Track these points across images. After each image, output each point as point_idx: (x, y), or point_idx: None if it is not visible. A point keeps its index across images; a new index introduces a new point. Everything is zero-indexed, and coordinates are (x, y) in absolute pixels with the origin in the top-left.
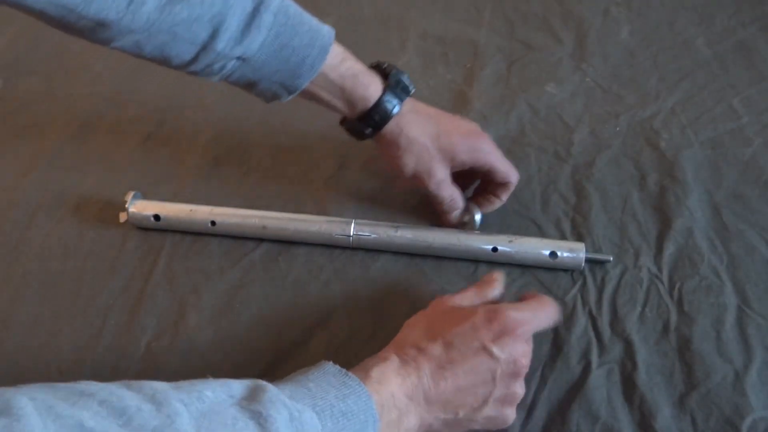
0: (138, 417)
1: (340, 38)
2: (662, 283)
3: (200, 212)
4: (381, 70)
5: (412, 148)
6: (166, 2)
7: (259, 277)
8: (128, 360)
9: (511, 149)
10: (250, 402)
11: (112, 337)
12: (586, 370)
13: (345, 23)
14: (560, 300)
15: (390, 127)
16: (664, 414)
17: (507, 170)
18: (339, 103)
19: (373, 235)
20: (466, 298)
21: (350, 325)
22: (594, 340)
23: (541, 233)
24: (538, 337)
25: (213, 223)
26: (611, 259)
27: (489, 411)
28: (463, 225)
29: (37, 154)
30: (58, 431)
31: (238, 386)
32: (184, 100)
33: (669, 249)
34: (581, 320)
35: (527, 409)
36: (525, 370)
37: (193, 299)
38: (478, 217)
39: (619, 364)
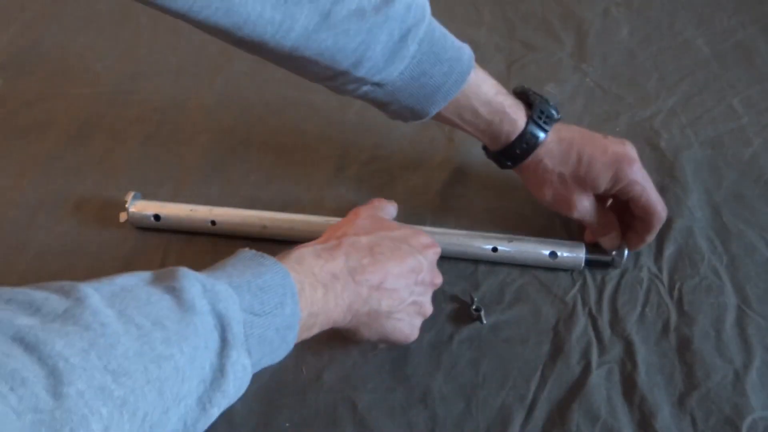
0: (46, 305)
1: None
2: (662, 283)
3: (200, 212)
4: (525, 97)
5: (550, 178)
6: (313, 30)
7: None
8: None
9: None
10: (163, 280)
11: None
12: (586, 370)
13: None
14: (560, 300)
15: (529, 158)
16: (664, 414)
17: (652, 202)
18: (480, 135)
19: None
20: (380, 208)
21: None
22: (594, 340)
23: (542, 234)
24: (538, 337)
25: (213, 222)
26: (611, 259)
27: (404, 314)
28: (611, 261)
29: (37, 154)
30: None
31: (149, 273)
32: (184, 100)
33: (669, 249)
34: (581, 320)
35: (527, 409)
36: (436, 287)
37: None
38: (625, 253)
39: (619, 364)
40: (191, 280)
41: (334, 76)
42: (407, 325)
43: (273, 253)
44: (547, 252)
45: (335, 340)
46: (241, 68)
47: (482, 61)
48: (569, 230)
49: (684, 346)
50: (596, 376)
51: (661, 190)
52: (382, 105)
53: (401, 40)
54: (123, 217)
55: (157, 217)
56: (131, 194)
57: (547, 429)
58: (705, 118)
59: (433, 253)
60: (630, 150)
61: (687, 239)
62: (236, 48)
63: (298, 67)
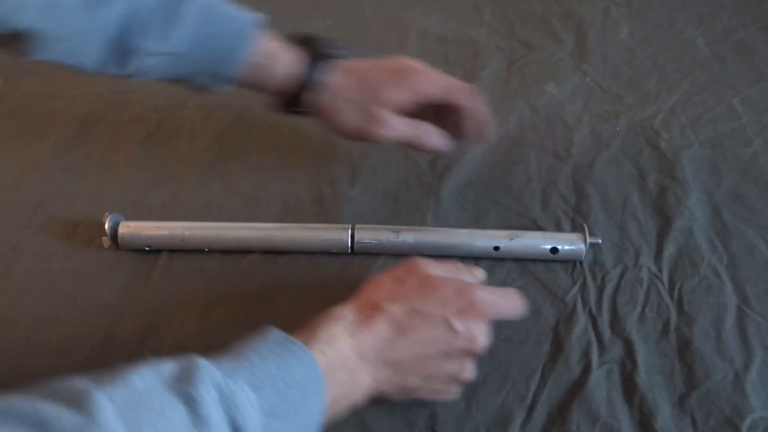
0: (58, 425)
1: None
2: (662, 283)
3: (192, 240)
4: (304, 42)
5: (345, 107)
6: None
7: (259, 277)
8: (128, 360)
9: (511, 149)
10: (181, 382)
11: (112, 337)
12: (586, 370)
13: (345, 23)
14: (560, 300)
15: (320, 96)
16: (664, 414)
17: (450, 92)
18: (268, 86)
19: (373, 242)
20: (440, 268)
21: None
22: (594, 340)
23: (542, 228)
24: (538, 337)
25: (207, 249)
26: (599, 241)
27: (436, 384)
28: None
29: (37, 154)
30: None
31: (168, 366)
32: (184, 100)
33: (669, 249)
34: (581, 320)
35: (527, 409)
36: (480, 351)
37: (193, 299)
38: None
39: (619, 364)
40: (208, 387)
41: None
42: (441, 393)
43: (275, 256)
44: (548, 246)
45: None
46: None
47: (482, 61)
48: (570, 228)
49: (684, 346)
50: (596, 376)
51: (661, 189)
52: (183, 80)
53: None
54: (105, 242)
55: (149, 245)
56: (108, 216)
57: (547, 429)
58: (705, 118)
59: (476, 316)
60: (412, 63)
61: (687, 239)
62: None
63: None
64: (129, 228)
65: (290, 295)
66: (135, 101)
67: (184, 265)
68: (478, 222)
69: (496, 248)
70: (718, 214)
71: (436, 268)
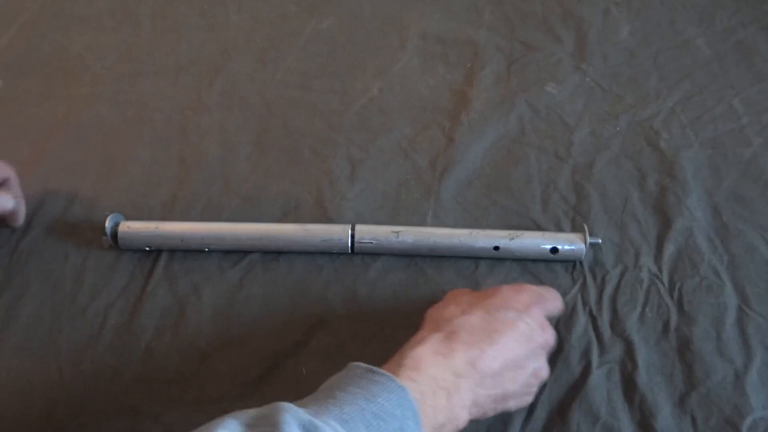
0: None
1: (340, 38)
2: (662, 283)
3: (192, 240)
4: None
5: None
6: None
7: (259, 277)
8: (128, 360)
9: (511, 149)
10: (264, 425)
11: (112, 337)
12: (586, 370)
13: (345, 23)
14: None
15: None
16: (665, 414)
17: None
18: None
19: (373, 242)
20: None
21: (350, 325)
22: (594, 340)
23: (542, 228)
24: None
25: (208, 249)
26: (599, 241)
27: (525, 386)
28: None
29: (37, 154)
30: None
31: (251, 413)
32: (184, 101)
33: (669, 249)
34: (581, 320)
35: (527, 409)
36: (551, 346)
37: (193, 299)
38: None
39: (620, 364)
40: (292, 427)
41: None
42: (524, 397)
43: (275, 256)
44: (548, 246)
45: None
46: (241, 68)
47: (482, 61)
48: (570, 228)
49: (684, 346)
50: (596, 376)
51: (661, 190)
52: None
53: None
54: (105, 242)
55: (148, 246)
56: (108, 216)
57: (548, 429)
58: (705, 118)
59: (539, 310)
60: None
61: (687, 239)
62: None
63: None
64: (129, 228)
65: (290, 295)
66: (135, 101)
67: (184, 265)
68: (478, 222)
69: (496, 248)
70: (718, 214)
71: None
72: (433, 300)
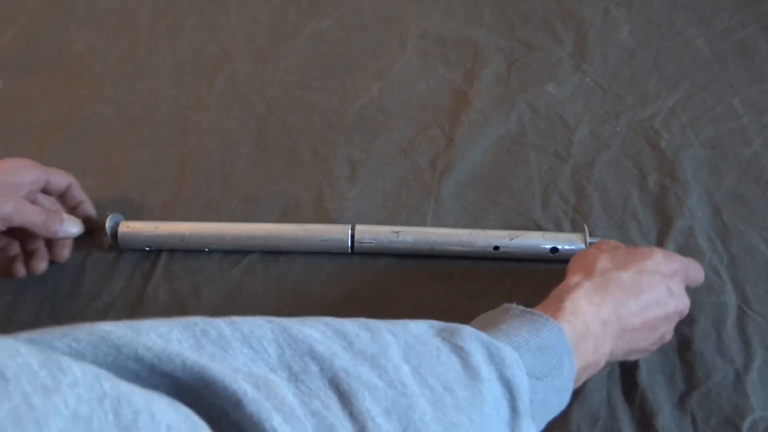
0: (357, 342)
1: (340, 38)
2: None
3: (192, 240)
4: None
5: None
6: None
7: (259, 277)
8: None
9: (511, 149)
10: (451, 335)
11: None
12: None
13: (345, 23)
14: None
15: None
16: (665, 413)
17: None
18: None
19: (373, 242)
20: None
21: None
22: None
23: (542, 228)
24: None
25: (208, 249)
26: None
27: (651, 345)
28: None
29: (37, 154)
30: (292, 356)
31: (435, 323)
32: (184, 100)
33: (669, 249)
34: None
35: None
36: (685, 314)
37: (193, 299)
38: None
39: (620, 364)
40: (476, 344)
41: None
42: (648, 353)
43: (276, 256)
44: (548, 246)
45: None
46: (241, 68)
47: (482, 61)
48: (570, 228)
49: (684, 345)
50: (596, 376)
51: (662, 189)
52: None
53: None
54: (105, 242)
55: (148, 246)
56: (108, 216)
57: (548, 429)
58: (705, 118)
59: (681, 279)
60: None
61: (687, 239)
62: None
63: None
64: (129, 228)
65: (290, 295)
66: (135, 101)
67: (184, 265)
68: (478, 222)
69: (496, 248)
70: (718, 214)
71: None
72: (433, 300)
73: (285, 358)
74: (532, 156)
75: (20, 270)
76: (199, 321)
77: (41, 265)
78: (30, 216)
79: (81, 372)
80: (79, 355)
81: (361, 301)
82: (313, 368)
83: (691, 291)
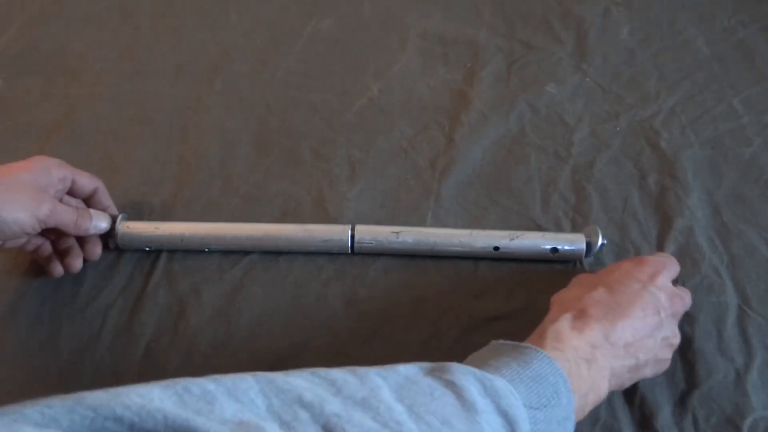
0: (346, 388)
1: (340, 38)
2: None
3: (192, 240)
4: None
5: None
6: None
7: (259, 277)
8: (128, 360)
9: (511, 149)
10: (442, 373)
11: (112, 337)
12: None
13: (345, 23)
14: None
15: None
16: (665, 413)
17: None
18: None
19: (373, 243)
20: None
21: (350, 325)
22: None
23: (542, 228)
24: None
25: (208, 249)
26: (604, 242)
27: (660, 352)
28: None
29: (36, 154)
30: (281, 406)
31: (424, 364)
32: (184, 100)
33: (670, 249)
34: None
35: None
36: (682, 311)
37: (193, 299)
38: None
39: None
40: (468, 377)
41: None
42: (663, 364)
43: (275, 256)
44: (548, 247)
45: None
46: (241, 68)
47: (482, 61)
48: (570, 228)
49: (685, 345)
50: None
51: (662, 189)
52: None
53: None
54: (111, 243)
55: (148, 246)
56: (119, 217)
57: None
58: (705, 118)
59: (664, 278)
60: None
61: (687, 239)
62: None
63: None
64: (129, 228)
65: (290, 295)
66: (135, 101)
67: (184, 265)
68: (478, 222)
69: (496, 248)
70: (719, 214)
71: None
72: (434, 300)
73: (274, 409)
74: (532, 156)
75: (57, 269)
76: (179, 380)
77: (77, 262)
78: (63, 216)
79: None
80: (53, 422)
81: (361, 302)
82: (304, 416)
83: (692, 291)
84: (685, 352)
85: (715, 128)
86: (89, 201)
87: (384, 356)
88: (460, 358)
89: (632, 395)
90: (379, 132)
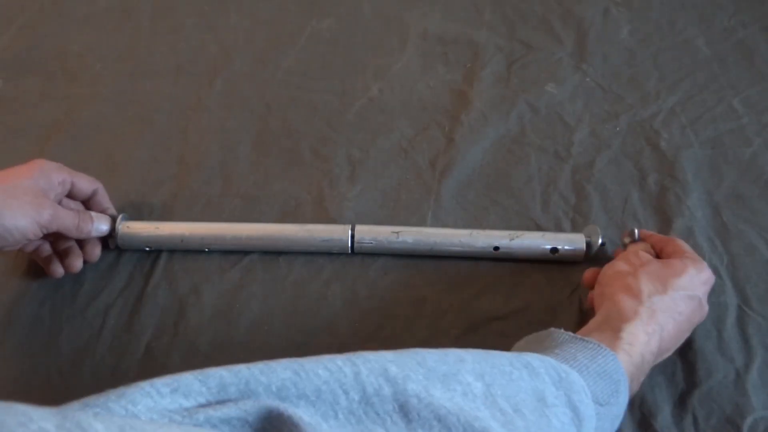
0: (430, 359)
1: (340, 38)
2: None
3: (192, 240)
4: None
5: None
6: None
7: (259, 277)
8: (128, 360)
9: (511, 149)
10: (520, 354)
11: (112, 337)
12: None
13: (345, 23)
14: (560, 300)
15: None
16: (665, 413)
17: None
18: None
19: (373, 242)
20: (647, 250)
21: (350, 325)
22: None
23: (542, 229)
24: None
25: (208, 249)
26: (604, 242)
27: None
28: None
29: (37, 154)
30: (367, 377)
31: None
32: (184, 101)
33: None
34: (582, 320)
35: None
36: (704, 319)
37: (193, 299)
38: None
39: None
40: (546, 365)
41: None
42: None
43: (275, 256)
44: (548, 247)
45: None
46: (241, 68)
47: (482, 61)
48: (570, 228)
49: (685, 345)
50: None
51: (662, 189)
52: None
53: None
54: (112, 243)
55: (148, 246)
56: (120, 217)
57: None
58: (705, 118)
59: (710, 286)
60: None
61: (687, 239)
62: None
63: None
64: (129, 228)
65: (290, 295)
66: (135, 101)
67: (184, 265)
68: (478, 222)
69: (496, 248)
70: (718, 214)
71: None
72: (434, 300)
73: (361, 377)
74: (532, 156)
75: (58, 270)
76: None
77: (77, 262)
78: (64, 221)
79: (104, 427)
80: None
81: (361, 301)
82: (387, 391)
83: None
84: (685, 352)
85: (715, 128)
86: (88, 203)
87: None
88: None
89: (632, 396)
90: (379, 132)
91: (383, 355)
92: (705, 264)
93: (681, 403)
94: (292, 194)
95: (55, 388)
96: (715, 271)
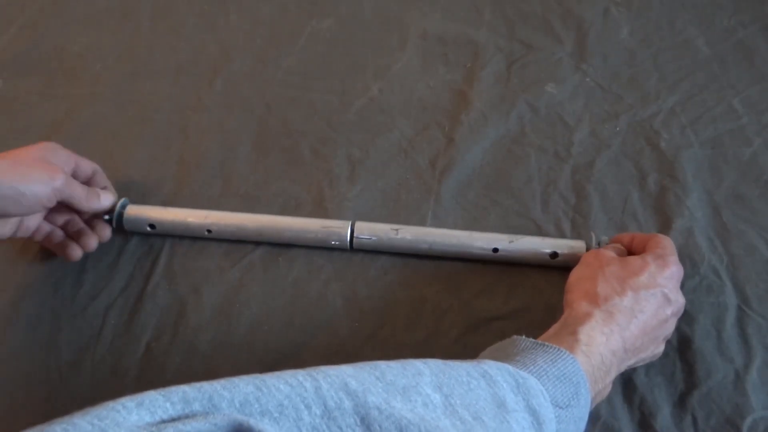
0: (389, 373)
1: (340, 38)
2: None
3: (195, 225)
4: None
5: None
6: None
7: (259, 277)
8: (128, 360)
9: (511, 149)
10: (477, 363)
11: (112, 337)
12: None
13: (345, 23)
14: (560, 301)
15: None
16: (665, 413)
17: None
18: None
19: (373, 238)
20: (615, 249)
21: (350, 325)
22: None
23: (541, 234)
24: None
25: (209, 230)
26: (607, 240)
27: (657, 349)
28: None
29: None
30: (328, 391)
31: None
32: (184, 100)
33: None
34: None
35: None
36: (682, 311)
37: (193, 299)
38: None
39: None
40: (503, 374)
41: None
42: (654, 356)
43: (275, 256)
44: (548, 251)
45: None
46: (241, 68)
47: (482, 61)
48: (570, 228)
49: (684, 345)
50: None
51: (661, 190)
52: None
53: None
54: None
55: (152, 226)
56: (119, 201)
57: None
58: (705, 118)
59: (677, 280)
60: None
61: (687, 239)
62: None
63: None
64: (133, 210)
65: (290, 295)
66: (135, 101)
67: (184, 265)
68: (478, 222)
69: (495, 250)
70: (718, 214)
71: (612, 250)
72: (433, 300)
73: (322, 392)
74: (532, 156)
75: (76, 252)
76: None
77: (92, 241)
78: (76, 189)
79: None
80: None
81: (361, 301)
82: (347, 404)
83: (692, 291)
84: (685, 352)
85: (715, 128)
86: (89, 182)
87: (384, 356)
88: (460, 358)
89: (632, 395)
90: (379, 132)
91: (343, 370)
92: (672, 258)
93: (680, 403)
94: (292, 194)
95: (55, 388)
96: (715, 271)
